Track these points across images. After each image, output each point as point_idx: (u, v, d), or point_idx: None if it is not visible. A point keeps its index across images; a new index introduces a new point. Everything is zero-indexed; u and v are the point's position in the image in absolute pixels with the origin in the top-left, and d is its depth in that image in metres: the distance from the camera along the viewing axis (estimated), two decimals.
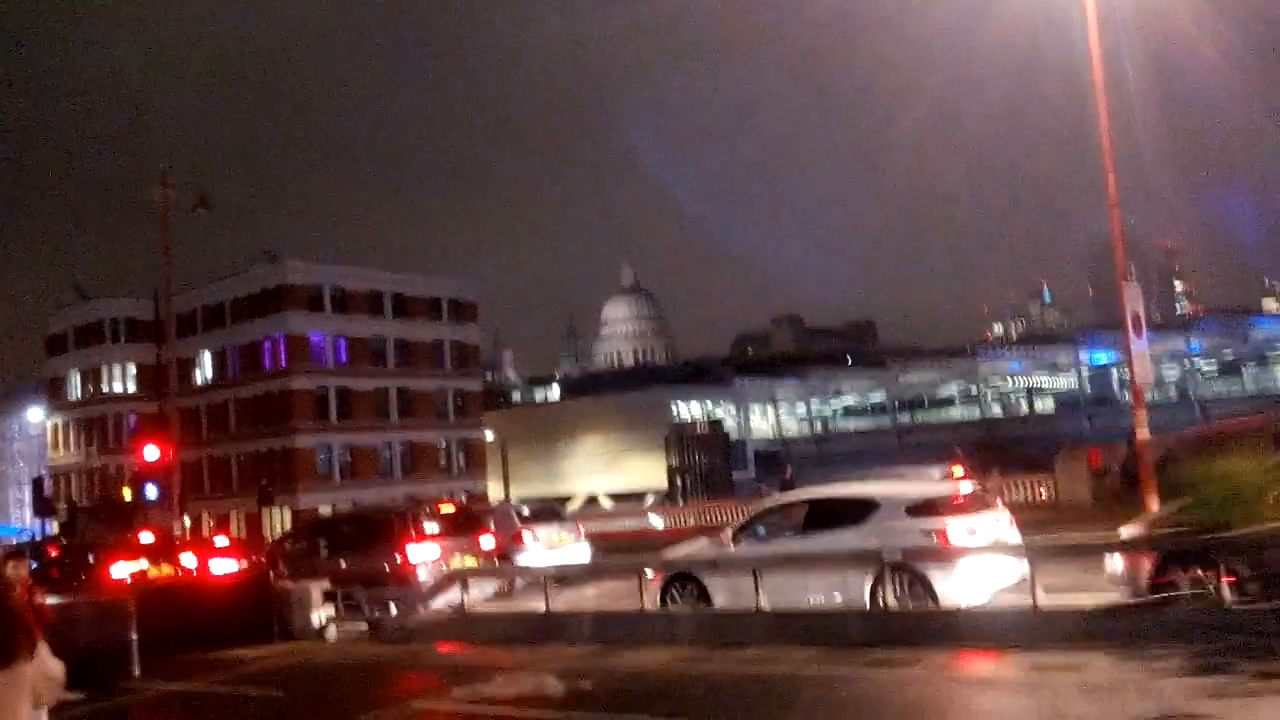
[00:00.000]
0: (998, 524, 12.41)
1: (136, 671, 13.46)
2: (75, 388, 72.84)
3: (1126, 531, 11.54)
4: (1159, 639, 9.28)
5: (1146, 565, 10.37)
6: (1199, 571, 9.89)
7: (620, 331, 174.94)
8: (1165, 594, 10.09)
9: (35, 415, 78.36)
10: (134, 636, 13.60)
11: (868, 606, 11.69)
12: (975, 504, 12.64)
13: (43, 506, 48.42)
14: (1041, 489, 29.06)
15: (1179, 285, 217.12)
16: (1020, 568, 11.17)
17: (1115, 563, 10.89)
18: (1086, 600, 10.78)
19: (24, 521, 76.85)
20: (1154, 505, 15.06)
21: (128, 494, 55.79)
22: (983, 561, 11.37)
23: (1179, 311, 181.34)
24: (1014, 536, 12.36)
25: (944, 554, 11.45)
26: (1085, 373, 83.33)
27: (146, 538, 26.31)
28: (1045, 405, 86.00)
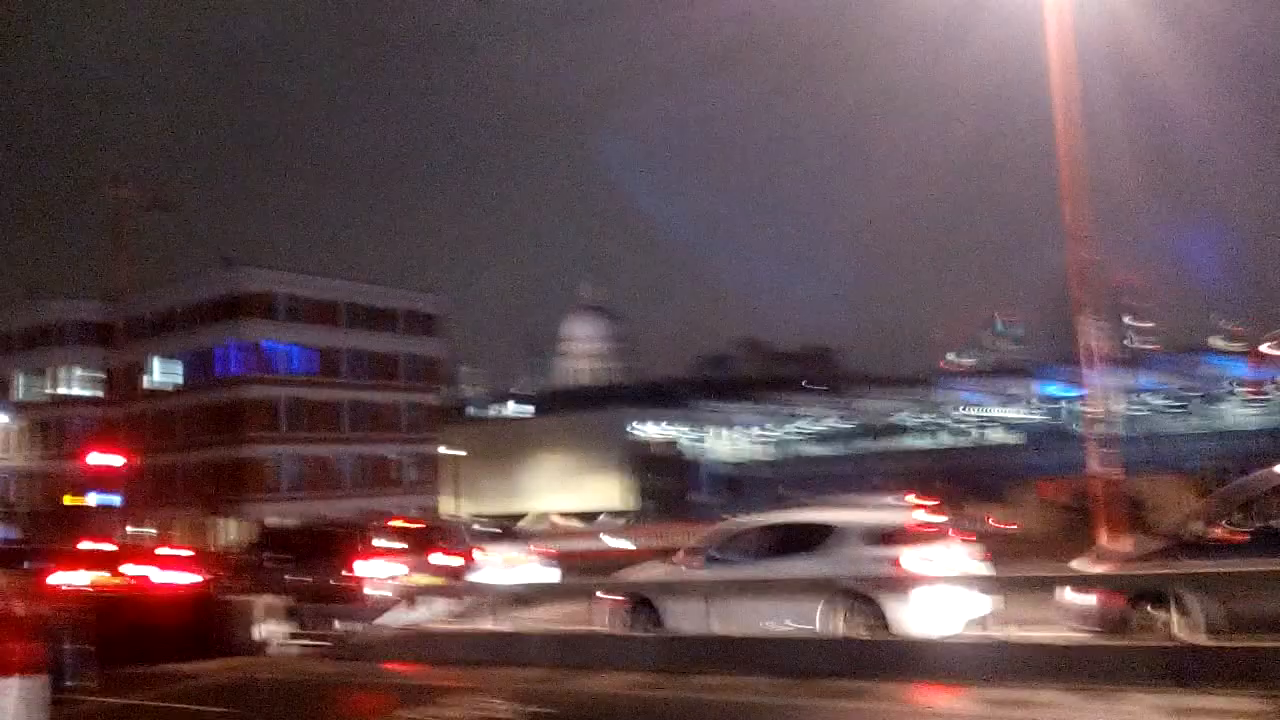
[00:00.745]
0: (957, 554, 12.40)
1: (73, 684, 13.07)
2: (21, 389, 71.26)
3: (1078, 564, 11.62)
4: (1116, 675, 9.30)
5: (1105, 600, 10.42)
6: (1158, 608, 9.95)
7: (581, 350, 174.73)
8: (1123, 629, 10.14)
9: None
10: (71, 648, 13.21)
11: (820, 632, 11.63)
12: (933, 534, 12.64)
13: None
14: (994, 520, 29.38)
15: (1130, 320, 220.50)
16: (981, 600, 11.15)
17: (1068, 597, 10.93)
18: (1046, 634, 10.80)
19: None
20: (1104, 538, 15.25)
21: (72, 500, 54.83)
22: (937, 591, 11.35)
23: (1129, 345, 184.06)
24: (975, 568, 12.35)
25: (899, 583, 11.42)
26: (1040, 405, 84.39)
27: (90, 546, 25.67)
28: (1001, 436, 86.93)
